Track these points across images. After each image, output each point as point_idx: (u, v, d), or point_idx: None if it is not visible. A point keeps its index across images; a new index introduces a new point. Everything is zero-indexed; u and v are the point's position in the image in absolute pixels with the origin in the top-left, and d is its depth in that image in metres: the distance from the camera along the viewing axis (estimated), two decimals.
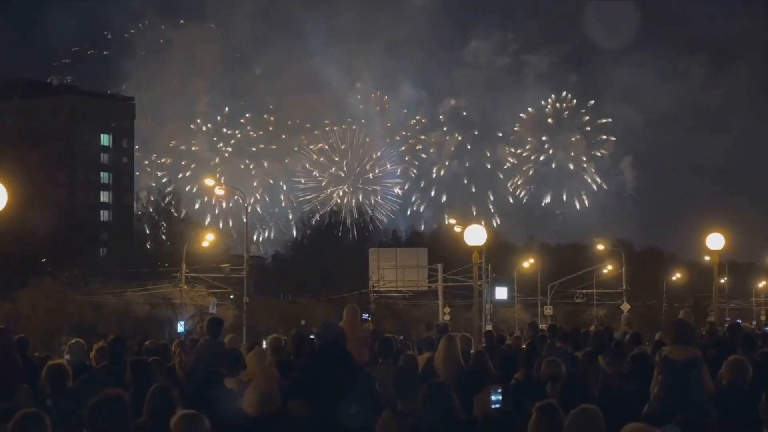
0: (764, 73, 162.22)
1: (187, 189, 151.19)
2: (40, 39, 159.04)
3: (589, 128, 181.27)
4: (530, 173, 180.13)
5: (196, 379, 11.82)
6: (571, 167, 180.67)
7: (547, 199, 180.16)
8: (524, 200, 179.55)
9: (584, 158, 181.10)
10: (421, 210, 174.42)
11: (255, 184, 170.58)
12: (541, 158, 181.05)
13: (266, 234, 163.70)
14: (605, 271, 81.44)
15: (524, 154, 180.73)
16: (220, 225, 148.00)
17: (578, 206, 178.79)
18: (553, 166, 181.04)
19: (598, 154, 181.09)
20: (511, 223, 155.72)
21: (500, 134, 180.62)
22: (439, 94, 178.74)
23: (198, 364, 12.63)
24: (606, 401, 10.15)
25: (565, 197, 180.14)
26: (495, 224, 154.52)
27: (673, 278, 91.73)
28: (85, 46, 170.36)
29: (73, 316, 58.05)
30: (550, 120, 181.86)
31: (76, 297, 60.53)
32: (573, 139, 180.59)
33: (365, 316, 47.47)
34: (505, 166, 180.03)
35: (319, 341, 10.52)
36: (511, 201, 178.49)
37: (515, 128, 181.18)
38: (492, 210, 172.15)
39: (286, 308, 70.73)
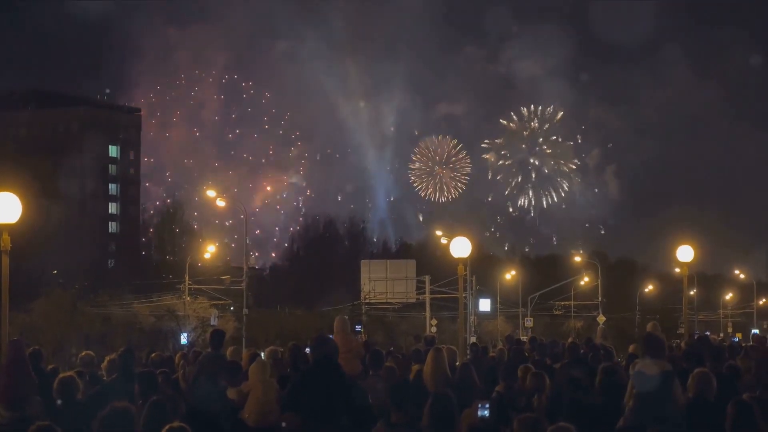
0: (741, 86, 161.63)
1: (191, 200, 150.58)
2: (50, 49, 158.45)
3: (579, 137, 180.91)
4: (516, 183, 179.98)
5: (199, 391, 11.78)
6: (558, 177, 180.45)
7: (531, 210, 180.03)
8: (509, 210, 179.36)
9: (571, 167, 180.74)
10: (413, 220, 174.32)
11: (255, 195, 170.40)
12: (528, 167, 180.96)
13: (265, 246, 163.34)
14: (582, 282, 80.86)
15: (508, 163, 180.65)
16: (222, 237, 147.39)
17: (560, 215, 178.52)
18: (534, 175, 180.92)
19: (580, 163, 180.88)
20: (496, 234, 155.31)
21: (487, 142, 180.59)
22: (432, 100, 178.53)
23: (200, 375, 12.56)
24: (577, 414, 10.16)
25: (546, 205, 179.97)
26: (481, 236, 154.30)
27: (646, 290, 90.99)
28: (96, 55, 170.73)
29: (82, 327, 57.47)
30: (536, 128, 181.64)
31: (85, 308, 59.96)
32: (559, 150, 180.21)
33: (357, 327, 47.11)
34: (491, 176, 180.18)
35: (312, 355, 10.39)
36: (497, 211, 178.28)
37: (502, 137, 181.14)
38: (478, 221, 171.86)
39: (284, 320, 70.03)
